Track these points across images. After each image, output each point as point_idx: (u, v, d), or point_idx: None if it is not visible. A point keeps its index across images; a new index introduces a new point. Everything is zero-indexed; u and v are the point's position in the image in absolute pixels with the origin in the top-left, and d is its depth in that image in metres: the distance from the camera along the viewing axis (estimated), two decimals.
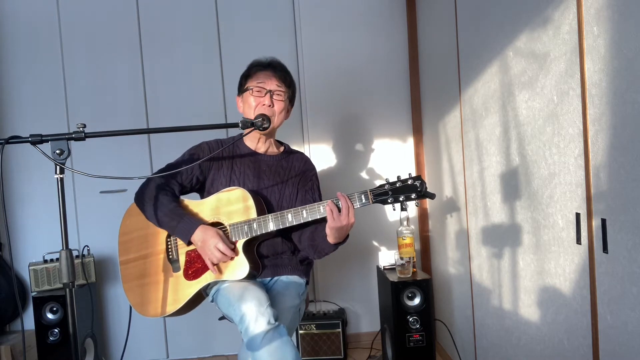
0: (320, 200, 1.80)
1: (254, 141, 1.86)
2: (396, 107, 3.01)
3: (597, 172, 1.25)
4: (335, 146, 3.02)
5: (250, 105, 1.78)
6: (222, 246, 1.62)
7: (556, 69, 1.41)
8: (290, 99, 1.85)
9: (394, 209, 1.59)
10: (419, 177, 1.58)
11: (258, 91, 1.77)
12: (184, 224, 1.67)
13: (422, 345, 2.35)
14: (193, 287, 1.72)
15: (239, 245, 1.67)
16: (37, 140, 1.35)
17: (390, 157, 3.01)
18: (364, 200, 1.59)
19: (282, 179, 1.84)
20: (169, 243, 1.77)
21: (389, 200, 1.58)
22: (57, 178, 1.33)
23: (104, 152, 2.89)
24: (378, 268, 2.73)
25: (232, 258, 1.66)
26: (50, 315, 2.60)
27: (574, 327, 1.41)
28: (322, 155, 2.99)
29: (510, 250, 1.80)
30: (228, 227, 1.69)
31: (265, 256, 1.78)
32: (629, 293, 1.16)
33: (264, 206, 1.73)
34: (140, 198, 1.75)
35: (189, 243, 1.69)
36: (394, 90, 3.00)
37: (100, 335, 2.89)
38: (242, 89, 1.84)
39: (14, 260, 2.95)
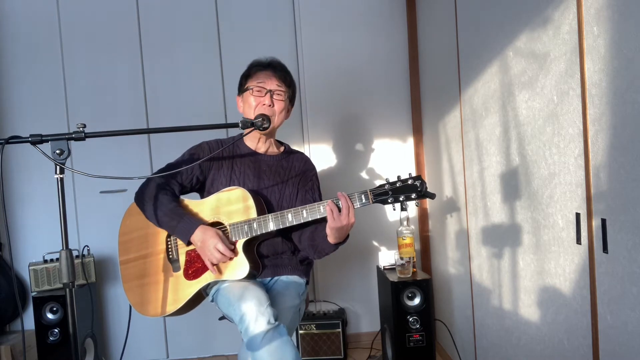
0: (321, 200, 1.80)
1: (254, 141, 1.86)
2: (396, 107, 3.01)
3: (597, 172, 1.25)
4: (335, 146, 3.02)
5: (251, 105, 1.78)
6: (221, 247, 1.62)
7: (556, 69, 1.41)
8: (291, 99, 1.85)
9: (394, 209, 1.59)
10: (419, 177, 1.58)
11: (258, 91, 1.77)
12: (183, 224, 1.67)
13: (422, 345, 2.35)
14: (193, 286, 1.72)
15: (239, 245, 1.67)
16: (37, 140, 1.35)
17: (390, 157, 3.01)
18: (364, 200, 1.59)
19: (282, 178, 1.84)
20: (169, 243, 1.77)
21: (389, 200, 1.58)
22: (57, 178, 1.33)
23: (104, 152, 2.89)
24: (378, 268, 2.73)
25: (231, 259, 1.66)
26: (50, 315, 2.60)
27: (574, 327, 1.41)
28: (322, 155, 2.99)
29: (510, 250, 1.80)
30: (228, 227, 1.69)
31: (265, 256, 1.78)
32: (629, 293, 1.16)
33: (264, 206, 1.73)
34: (140, 198, 1.75)
35: (189, 243, 1.69)
36: (394, 90, 3.00)
37: (100, 335, 2.89)
38: (242, 89, 1.84)
39: (14, 260, 2.95)
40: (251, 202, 1.68)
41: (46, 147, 1.36)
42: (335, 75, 2.97)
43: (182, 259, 1.74)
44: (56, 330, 2.59)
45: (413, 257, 2.50)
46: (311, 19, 2.96)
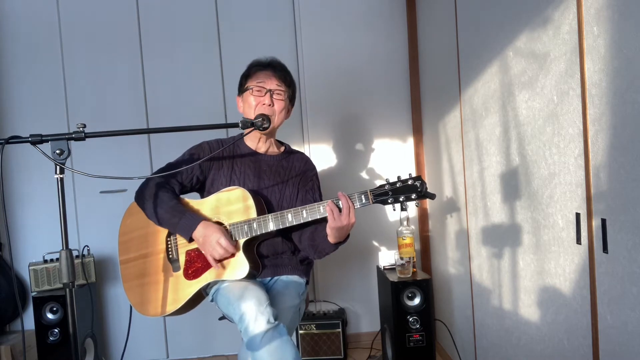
0: (321, 200, 1.80)
1: (254, 141, 1.86)
2: (396, 107, 3.01)
3: (597, 172, 1.25)
4: (335, 146, 3.02)
5: (251, 105, 1.78)
6: (224, 241, 1.62)
7: (556, 69, 1.41)
8: (291, 99, 1.85)
9: (394, 209, 1.59)
10: (419, 178, 1.58)
11: (258, 91, 1.77)
12: (185, 221, 1.67)
13: (422, 345, 2.35)
14: (193, 286, 1.72)
15: (239, 245, 1.67)
16: (37, 140, 1.35)
17: (390, 157, 3.01)
18: (364, 201, 1.59)
19: (283, 179, 1.84)
20: (169, 242, 1.77)
21: (389, 201, 1.58)
22: (57, 178, 1.33)
23: (104, 152, 2.89)
24: (378, 268, 2.73)
25: (233, 254, 1.66)
26: (50, 315, 2.60)
27: (574, 327, 1.41)
28: (322, 155, 2.99)
29: (510, 250, 1.80)
30: (228, 227, 1.69)
31: (265, 256, 1.78)
32: (629, 293, 1.16)
33: (264, 206, 1.73)
34: (140, 196, 1.75)
35: (191, 240, 1.69)
36: (394, 90, 3.01)
37: (100, 335, 2.89)
38: (242, 89, 1.84)
39: (14, 260, 2.95)
40: (251, 202, 1.68)
41: (46, 147, 1.36)
42: (335, 75, 2.97)
43: (182, 259, 1.74)
44: (56, 330, 2.59)
45: (413, 257, 2.50)
46: (311, 19, 2.96)
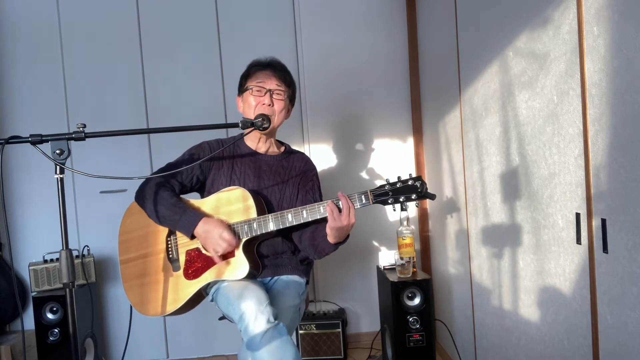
0: (321, 200, 1.80)
1: (254, 141, 1.86)
2: (396, 107, 3.01)
3: (597, 172, 1.25)
4: (335, 146, 3.02)
5: (250, 105, 1.78)
6: (227, 235, 1.62)
7: (556, 69, 1.41)
8: (291, 99, 1.85)
9: (394, 210, 1.59)
10: (419, 178, 1.58)
11: (258, 91, 1.77)
12: (186, 218, 1.67)
13: (422, 345, 2.35)
14: (193, 286, 1.72)
15: (239, 245, 1.67)
16: (37, 140, 1.35)
17: (390, 157, 3.01)
18: (364, 201, 1.59)
19: (283, 179, 1.84)
20: (169, 242, 1.77)
21: (389, 201, 1.58)
22: (57, 178, 1.33)
23: (104, 152, 2.89)
24: (378, 268, 2.73)
25: (236, 248, 1.65)
26: (50, 315, 2.60)
27: (574, 327, 1.41)
28: (322, 155, 2.99)
29: (510, 250, 1.80)
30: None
31: (265, 256, 1.78)
32: (629, 293, 1.16)
33: (264, 206, 1.73)
34: (140, 195, 1.75)
35: (192, 237, 1.69)
36: (394, 90, 3.01)
37: (100, 335, 2.89)
38: (242, 89, 1.84)
39: (14, 260, 2.95)
40: (251, 202, 1.68)
41: (46, 147, 1.36)
42: (335, 75, 2.97)
43: (182, 259, 1.75)
44: (56, 330, 2.59)
45: (413, 257, 2.50)
46: (311, 19, 2.96)
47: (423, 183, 1.58)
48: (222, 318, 1.82)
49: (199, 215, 1.67)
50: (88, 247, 2.72)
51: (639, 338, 1.14)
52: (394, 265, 2.55)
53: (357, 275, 3.04)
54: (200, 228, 1.65)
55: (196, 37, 2.98)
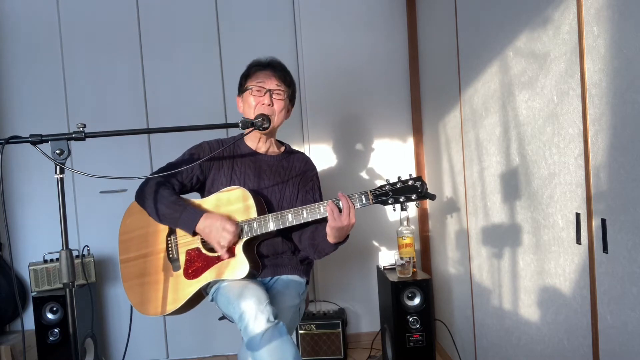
0: (321, 200, 1.80)
1: (254, 141, 1.86)
2: (396, 107, 3.01)
3: (597, 172, 1.25)
4: (335, 146, 3.02)
5: (250, 105, 1.78)
6: (229, 226, 1.61)
7: (556, 69, 1.41)
8: (290, 98, 1.85)
9: (394, 210, 1.59)
10: (419, 178, 1.58)
11: (257, 90, 1.77)
12: (187, 215, 1.67)
13: (422, 345, 2.35)
14: (193, 286, 1.72)
15: (239, 245, 1.67)
16: (37, 140, 1.35)
17: (390, 157, 3.01)
18: (364, 201, 1.59)
19: (283, 179, 1.84)
20: (169, 242, 1.77)
21: (390, 201, 1.58)
22: (57, 178, 1.33)
23: (104, 152, 2.89)
24: (378, 268, 2.73)
25: (237, 241, 1.65)
26: (50, 315, 2.60)
27: (574, 327, 1.41)
28: (322, 155, 2.99)
29: (510, 250, 1.80)
30: None
31: (265, 256, 1.78)
32: (629, 293, 1.16)
33: (264, 206, 1.73)
34: (140, 194, 1.75)
35: (194, 233, 1.68)
36: (394, 90, 3.01)
37: (100, 335, 2.89)
38: (242, 89, 1.84)
39: (14, 260, 2.95)
40: (251, 201, 1.68)
41: (46, 147, 1.36)
42: (335, 75, 2.97)
43: (182, 258, 1.75)
44: (56, 330, 2.59)
45: (413, 257, 2.50)
46: (311, 19, 2.96)
47: (423, 183, 1.58)
48: (222, 318, 1.82)
49: (199, 212, 1.67)
50: (88, 247, 2.72)
51: (639, 338, 1.14)
52: (394, 265, 2.55)
53: (357, 275, 3.04)
54: (202, 224, 1.64)
55: (196, 37, 2.98)
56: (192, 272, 1.72)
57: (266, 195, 1.79)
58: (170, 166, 1.77)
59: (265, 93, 1.76)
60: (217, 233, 1.62)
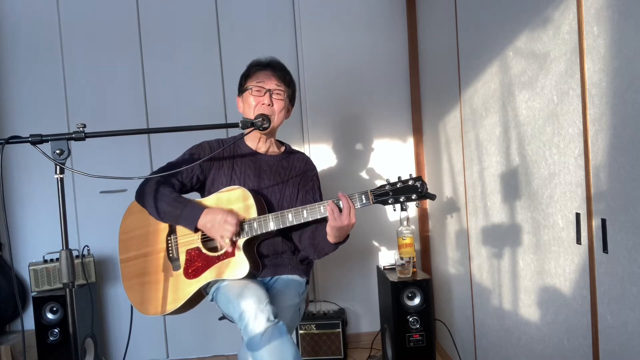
0: (321, 200, 1.80)
1: (254, 141, 1.86)
2: (396, 107, 3.01)
3: (597, 172, 1.25)
4: (335, 146, 3.02)
5: (250, 105, 1.78)
6: (230, 218, 1.62)
7: (556, 69, 1.41)
8: (290, 98, 1.85)
9: (395, 210, 1.59)
10: (419, 178, 1.58)
11: (257, 90, 1.77)
12: (188, 211, 1.66)
13: (422, 345, 2.35)
14: (193, 285, 1.72)
15: (239, 244, 1.67)
16: (37, 140, 1.35)
17: (390, 157, 3.01)
18: (364, 201, 1.59)
19: (283, 179, 1.84)
20: (169, 242, 1.77)
21: (390, 201, 1.58)
22: (57, 178, 1.33)
23: (104, 152, 2.89)
24: (378, 268, 2.73)
25: (239, 233, 1.65)
26: (50, 315, 2.60)
27: (574, 327, 1.41)
28: (322, 155, 2.99)
29: (510, 250, 1.80)
30: None
31: (265, 256, 1.78)
32: (629, 293, 1.16)
33: (265, 205, 1.73)
34: (141, 193, 1.75)
35: (196, 230, 1.68)
36: (394, 90, 3.01)
37: (100, 335, 2.89)
38: (241, 89, 1.84)
39: (14, 260, 2.95)
40: (251, 201, 1.68)
41: (46, 147, 1.36)
42: (335, 75, 2.97)
43: (182, 258, 1.75)
44: (56, 330, 2.59)
45: (413, 257, 2.50)
46: (311, 19, 2.96)
47: (423, 183, 1.58)
48: (222, 318, 1.82)
49: (199, 208, 1.67)
50: (88, 247, 2.72)
51: (639, 338, 1.14)
52: (394, 265, 2.55)
53: (357, 275, 3.04)
54: (204, 219, 1.65)
55: (196, 37, 2.98)
56: (192, 271, 1.72)
57: (266, 195, 1.79)
58: (170, 166, 1.77)
59: (265, 93, 1.77)
60: (220, 226, 1.62)
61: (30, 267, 2.61)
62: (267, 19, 3.00)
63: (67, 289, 1.35)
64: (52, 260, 2.65)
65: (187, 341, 3.00)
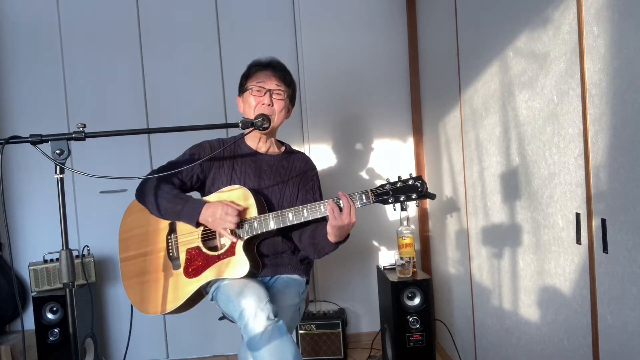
0: (321, 200, 1.80)
1: (255, 141, 1.86)
2: (396, 107, 3.01)
3: (597, 172, 1.25)
4: (335, 146, 3.02)
5: (250, 105, 1.78)
6: (230, 209, 1.62)
7: (556, 69, 1.41)
8: (291, 98, 1.85)
9: (395, 209, 1.60)
10: (419, 178, 1.58)
11: (258, 90, 1.78)
12: (189, 207, 1.67)
13: (422, 345, 2.35)
14: (193, 284, 1.72)
15: (239, 244, 1.67)
16: (37, 140, 1.35)
17: (390, 157, 3.01)
18: (364, 200, 1.59)
19: (283, 178, 1.84)
20: (170, 241, 1.77)
21: (390, 200, 1.58)
22: (57, 178, 1.33)
23: (104, 152, 2.89)
24: (378, 268, 2.73)
25: (240, 225, 1.65)
26: (50, 315, 2.60)
27: (574, 327, 1.41)
28: (322, 155, 2.99)
29: (510, 250, 1.80)
30: None
31: (266, 255, 1.78)
32: (629, 293, 1.16)
33: (265, 205, 1.73)
34: (141, 191, 1.75)
35: (197, 225, 1.68)
36: (394, 90, 3.01)
37: (100, 335, 2.89)
38: (242, 89, 1.85)
39: (14, 260, 2.95)
40: (252, 200, 1.68)
41: (46, 147, 1.36)
42: (335, 75, 2.97)
43: (183, 257, 1.75)
44: (56, 330, 2.59)
45: (413, 257, 2.50)
46: (311, 19, 2.96)
47: (423, 183, 1.58)
48: (222, 318, 1.82)
49: (200, 203, 1.68)
50: (88, 247, 2.72)
51: (639, 338, 1.14)
52: (394, 265, 2.55)
53: (357, 275, 3.04)
54: (204, 213, 1.65)
55: (196, 37, 2.98)
56: (192, 270, 1.73)
57: (266, 194, 1.79)
58: (171, 164, 1.77)
59: (265, 93, 1.77)
60: (221, 219, 1.63)
61: (30, 267, 2.61)
62: (267, 19, 3.00)
63: (67, 289, 1.35)
64: (52, 260, 2.65)
65: (187, 341, 3.00)
